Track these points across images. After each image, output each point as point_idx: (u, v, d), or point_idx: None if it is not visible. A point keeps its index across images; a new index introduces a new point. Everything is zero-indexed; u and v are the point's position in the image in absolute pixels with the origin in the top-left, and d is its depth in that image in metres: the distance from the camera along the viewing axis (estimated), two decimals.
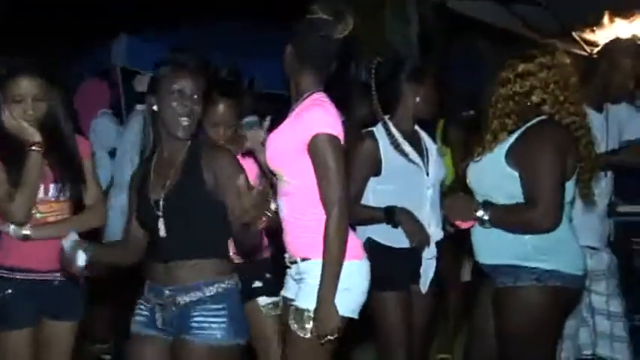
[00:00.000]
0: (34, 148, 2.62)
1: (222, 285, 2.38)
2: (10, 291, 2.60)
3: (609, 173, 3.21)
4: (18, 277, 2.63)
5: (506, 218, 2.60)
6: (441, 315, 4.31)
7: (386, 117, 3.17)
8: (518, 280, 2.59)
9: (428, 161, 3.18)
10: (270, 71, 5.97)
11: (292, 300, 2.49)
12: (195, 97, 2.41)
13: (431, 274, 3.16)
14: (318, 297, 2.34)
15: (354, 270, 2.42)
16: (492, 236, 2.65)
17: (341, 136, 2.40)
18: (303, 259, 2.46)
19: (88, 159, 2.85)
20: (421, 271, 3.14)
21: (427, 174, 3.15)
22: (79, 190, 2.77)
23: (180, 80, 2.39)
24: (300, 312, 2.40)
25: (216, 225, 2.39)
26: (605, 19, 4.78)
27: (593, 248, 3.20)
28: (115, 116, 5.28)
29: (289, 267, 2.56)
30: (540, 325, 2.59)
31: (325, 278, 2.33)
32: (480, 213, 2.60)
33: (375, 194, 3.07)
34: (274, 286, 3.00)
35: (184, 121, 2.39)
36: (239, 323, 2.40)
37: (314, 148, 2.36)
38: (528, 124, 2.59)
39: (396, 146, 3.10)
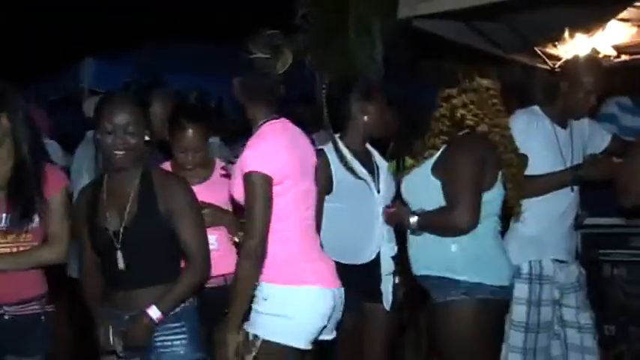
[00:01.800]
0: None
1: (181, 304, 2.50)
2: None
3: (575, 187, 3.27)
4: None
5: (431, 222, 2.82)
6: (412, 332, 4.34)
7: (336, 135, 3.24)
8: (448, 294, 2.76)
9: (379, 179, 3.25)
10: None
11: None
12: (131, 129, 2.44)
13: (391, 290, 3.22)
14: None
15: (298, 296, 2.47)
16: (424, 248, 2.86)
17: (271, 170, 2.44)
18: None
19: (57, 193, 2.69)
20: (382, 287, 3.19)
21: (378, 191, 3.21)
22: (25, 224, 2.62)
23: (114, 116, 2.43)
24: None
25: (170, 252, 2.50)
26: (566, 34, 4.88)
27: (562, 262, 3.26)
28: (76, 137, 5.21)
29: None
30: (476, 338, 2.74)
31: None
32: (411, 219, 2.84)
33: (326, 212, 3.10)
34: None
35: (119, 154, 2.45)
36: (198, 339, 2.53)
37: (245, 184, 2.45)
38: (452, 138, 2.85)
39: (345, 164, 3.15)
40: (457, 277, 2.76)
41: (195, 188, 2.77)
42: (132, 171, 2.51)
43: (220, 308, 2.99)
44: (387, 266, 3.20)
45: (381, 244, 3.18)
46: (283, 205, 2.47)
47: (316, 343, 2.57)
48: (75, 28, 8.58)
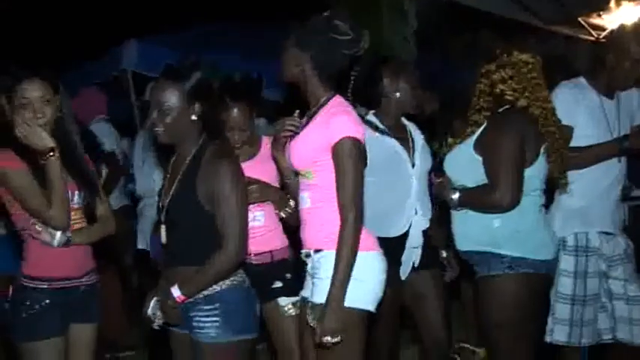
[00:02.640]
0: (50, 154, 2.62)
1: (215, 287, 2.47)
2: (47, 301, 2.63)
3: (622, 158, 3.23)
4: (54, 286, 2.66)
5: (471, 199, 2.85)
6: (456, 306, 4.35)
7: (371, 112, 3.28)
8: (491, 269, 2.79)
9: (414, 153, 3.26)
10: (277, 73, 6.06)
11: (308, 298, 2.54)
12: (165, 108, 2.46)
13: (410, 263, 3.25)
14: (327, 296, 2.39)
15: (368, 261, 2.46)
16: (467, 223, 2.89)
17: (363, 139, 2.47)
18: (317, 251, 2.50)
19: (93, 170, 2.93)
20: (402, 258, 3.22)
21: (413, 165, 3.23)
22: (95, 199, 2.83)
23: (151, 96, 2.50)
24: (316, 308, 2.44)
25: (207, 236, 2.46)
26: (612, 2, 4.78)
27: (608, 234, 3.23)
28: (124, 121, 5.33)
29: (306, 264, 2.60)
30: (517, 312, 2.77)
31: (334, 281, 2.38)
32: (452, 195, 2.86)
33: None
34: (294, 287, 3.05)
35: (157, 131, 2.51)
36: (236, 321, 2.49)
37: (337, 151, 2.43)
38: (492, 115, 2.85)
39: (378, 138, 3.17)
40: (500, 252, 2.78)
41: (243, 165, 2.78)
42: (186, 148, 2.53)
43: (267, 285, 3.08)
44: (415, 239, 3.22)
45: (412, 218, 3.20)
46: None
47: None
48: (117, 10, 8.65)
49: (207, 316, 2.45)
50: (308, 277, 2.60)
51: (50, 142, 2.61)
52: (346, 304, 2.38)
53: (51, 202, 2.60)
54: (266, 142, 3.20)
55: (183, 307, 2.47)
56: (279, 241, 3.15)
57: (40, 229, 2.64)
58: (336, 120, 2.45)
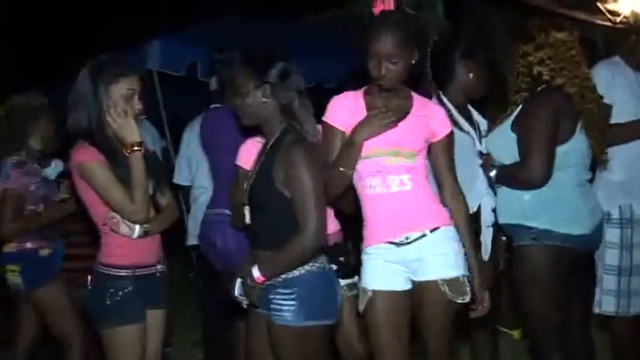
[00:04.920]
0: (136, 148, 2.67)
1: (294, 271, 2.51)
2: (130, 288, 2.70)
3: None
4: (135, 274, 2.73)
5: (506, 176, 2.98)
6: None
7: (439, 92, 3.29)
8: (520, 240, 2.93)
9: (480, 135, 3.31)
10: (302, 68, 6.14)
11: (419, 281, 2.64)
12: (239, 89, 2.57)
13: (489, 242, 3.26)
14: (470, 264, 2.66)
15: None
16: (502, 197, 3.02)
17: None
18: (433, 230, 2.62)
19: None
20: (481, 238, 3.24)
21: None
22: (161, 189, 2.91)
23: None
24: (454, 281, 2.59)
25: (286, 219, 2.49)
26: None
27: None
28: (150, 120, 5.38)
29: (400, 245, 2.65)
30: (545, 283, 2.89)
31: (470, 247, 2.65)
32: (490, 173, 3.01)
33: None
34: (348, 269, 3.18)
35: (238, 114, 2.63)
36: (312, 307, 2.51)
37: (447, 143, 2.73)
38: (529, 95, 2.95)
39: (450, 117, 3.22)
40: (527, 224, 2.91)
41: None
42: (269, 132, 2.60)
43: None
44: (487, 218, 3.25)
45: (483, 197, 3.28)
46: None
47: None
48: (139, 8, 8.70)
49: (285, 299, 2.50)
50: (396, 264, 2.65)
51: (138, 137, 2.67)
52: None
53: (133, 197, 2.65)
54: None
55: (263, 288, 2.54)
56: (333, 226, 3.19)
57: (118, 221, 2.69)
58: (440, 113, 2.75)
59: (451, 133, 2.73)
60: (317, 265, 2.55)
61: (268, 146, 2.59)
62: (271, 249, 2.52)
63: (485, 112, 3.27)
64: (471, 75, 3.23)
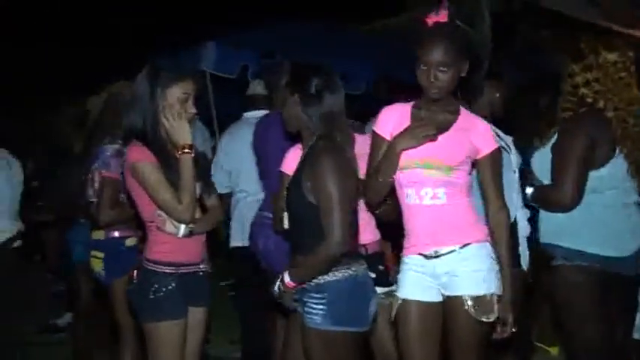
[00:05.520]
0: (187, 150, 2.75)
1: (325, 277, 2.60)
2: (173, 285, 2.78)
3: None
4: (179, 271, 2.81)
5: (538, 197, 3.04)
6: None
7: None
8: (554, 259, 2.95)
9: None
10: (352, 72, 6.21)
11: (447, 295, 2.66)
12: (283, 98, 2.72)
13: (527, 252, 3.34)
14: (503, 282, 2.64)
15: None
16: (541, 217, 3.04)
17: None
18: (463, 246, 2.64)
19: None
20: (520, 250, 3.31)
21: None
22: (208, 191, 3.00)
23: None
24: (480, 298, 2.60)
25: (314, 227, 2.58)
26: None
27: None
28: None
29: (430, 258, 2.68)
30: (578, 303, 2.90)
31: (506, 265, 2.67)
32: (527, 191, 3.08)
33: None
34: (386, 278, 3.24)
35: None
36: (341, 312, 2.60)
37: (492, 160, 2.72)
38: (569, 117, 2.95)
39: None
40: (561, 244, 2.93)
41: None
42: (307, 140, 2.72)
43: None
44: (523, 229, 3.33)
45: (518, 209, 3.30)
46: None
47: None
48: (194, 9, 8.91)
49: (316, 303, 2.60)
50: (443, 273, 2.67)
51: (190, 139, 2.76)
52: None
53: (181, 198, 2.73)
54: (359, 139, 3.35)
55: (298, 290, 2.64)
56: (373, 235, 3.28)
57: (165, 220, 2.77)
58: (485, 129, 2.73)
59: (496, 151, 2.73)
60: (350, 272, 2.63)
61: (303, 155, 2.70)
62: (304, 254, 2.62)
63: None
64: (497, 94, 3.34)
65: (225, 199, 4.34)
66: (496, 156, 2.73)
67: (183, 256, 2.82)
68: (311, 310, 2.61)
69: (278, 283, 2.69)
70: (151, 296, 2.74)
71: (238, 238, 4.28)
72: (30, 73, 10.77)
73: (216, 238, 4.07)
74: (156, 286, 2.75)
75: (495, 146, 2.73)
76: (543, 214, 3.04)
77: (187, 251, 2.84)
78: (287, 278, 2.64)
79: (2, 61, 10.53)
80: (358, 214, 2.81)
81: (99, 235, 3.72)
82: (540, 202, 3.03)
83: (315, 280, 2.61)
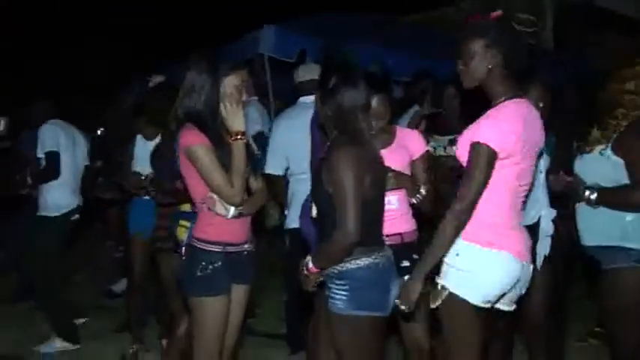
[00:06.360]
0: (240, 137, 2.89)
1: (347, 265, 2.74)
2: (220, 263, 2.93)
3: None
4: (226, 250, 2.95)
5: (612, 198, 3.03)
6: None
7: None
8: (618, 262, 2.96)
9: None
10: (399, 60, 6.28)
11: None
12: None
13: (544, 252, 3.37)
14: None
15: (483, 257, 2.61)
16: (596, 219, 3.04)
17: (499, 145, 2.55)
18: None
19: None
20: (537, 247, 3.33)
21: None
22: (254, 174, 3.15)
23: None
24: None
25: (332, 215, 2.72)
26: None
27: None
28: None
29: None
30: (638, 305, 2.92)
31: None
32: (587, 194, 3.04)
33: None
34: None
35: None
36: (362, 298, 2.74)
37: (470, 151, 2.59)
38: (632, 120, 3.01)
39: None
40: (629, 246, 2.97)
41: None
42: (329, 133, 2.89)
43: (396, 264, 3.25)
44: (547, 228, 3.37)
45: (543, 208, 3.35)
46: (502, 178, 2.58)
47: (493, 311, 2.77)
48: None
49: (339, 289, 2.76)
50: None
51: (244, 126, 2.90)
52: (453, 289, 2.61)
53: (232, 181, 2.87)
54: (400, 131, 3.47)
55: (325, 276, 2.82)
56: (409, 225, 3.39)
57: (215, 202, 2.92)
58: (481, 123, 2.60)
59: (474, 144, 2.58)
60: (370, 259, 2.77)
61: (325, 148, 2.87)
62: (326, 242, 2.79)
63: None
64: (542, 104, 3.30)
65: (281, 182, 4.51)
66: (472, 151, 2.59)
67: (229, 236, 2.97)
68: (335, 295, 2.76)
69: (302, 267, 2.87)
70: (199, 273, 2.91)
71: (294, 220, 4.37)
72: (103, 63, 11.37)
73: (261, 220, 4.22)
74: (203, 263, 2.91)
75: (476, 140, 2.57)
76: (599, 217, 3.05)
77: (234, 231, 2.98)
78: (310, 264, 2.82)
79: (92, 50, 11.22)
80: (383, 205, 2.93)
81: (186, 207, 3.82)
82: (611, 203, 3.03)
83: (337, 268, 2.76)
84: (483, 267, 2.61)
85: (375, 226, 2.86)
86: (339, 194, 2.68)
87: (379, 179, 2.86)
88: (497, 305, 2.75)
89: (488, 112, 2.61)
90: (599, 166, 3.06)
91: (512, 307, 2.81)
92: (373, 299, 2.77)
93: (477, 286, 2.62)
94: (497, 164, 2.55)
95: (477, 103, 2.71)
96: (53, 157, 4.95)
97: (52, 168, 4.95)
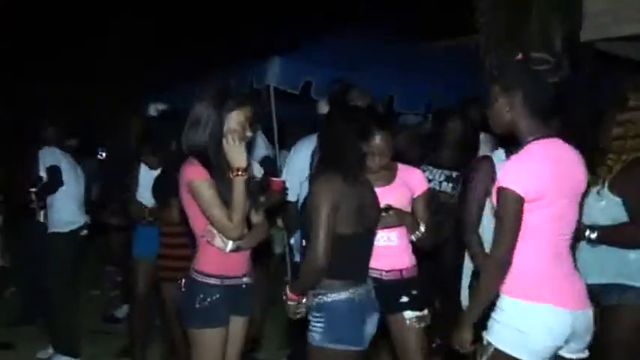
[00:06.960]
0: (241, 173, 2.90)
1: (324, 298, 2.86)
2: (217, 295, 2.95)
3: None
4: (224, 283, 2.99)
5: (613, 236, 3.07)
6: None
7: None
8: (622, 298, 3.00)
9: None
10: (408, 92, 6.34)
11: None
12: None
13: None
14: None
15: (528, 312, 2.50)
16: (599, 258, 3.08)
17: (524, 189, 2.47)
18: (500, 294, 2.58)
19: None
20: None
21: None
22: (255, 208, 3.14)
23: None
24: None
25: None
26: None
27: None
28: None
29: None
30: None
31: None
32: (587, 233, 3.08)
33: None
34: (420, 302, 3.37)
35: None
36: (337, 331, 2.83)
37: (497, 197, 2.53)
38: (629, 159, 3.08)
39: None
40: (632, 284, 3.01)
41: (380, 190, 3.16)
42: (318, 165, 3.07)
43: (395, 299, 3.34)
44: None
45: None
46: (535, 223, 2.49)
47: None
48: (260, 24, 9.20)
49: (316, 322, 2.86)
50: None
51: (245, 162, 2.92)
52: (500, 346, 2.51)
53: (231, 216, 2.89)
54: (401, 169, 3.49)
55: (306, 308, 2.92)
56: (409, 261, 3.41)
57: (214, 235, 2.95)
58: (506, 167, 2.55)
59: (499, 189, 2.53)
60: (348, 293, 2.86)
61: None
62: None
63: None
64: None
65: (293, 207, 4.49)
66: (499, 196, 2.54)
67: (228, 269, 3.00)
68: (312, 327, 2.86)
69: (282, 294, 2.97)
70: (197, 305, 2.94)
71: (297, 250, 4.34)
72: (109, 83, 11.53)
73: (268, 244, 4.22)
74: (202, 295, 2.94)
75: (499, 185, 2.53)
76: (600, 255, 3.08)
77: (232, 265, 3.01)
78: (287, 289, 2.94)
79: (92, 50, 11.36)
80: (369, 241, 3.01)
81: None
82: (614, 241, 3.07)
83: (316, 300, 2.86)
84: (528, 322, 2.50)
85: (356, 260, 2.95)
86: (313, 220, 2.80)
87: (365, 216, 2.92)
88: (564, 354, 2.62)
89: (514, 155, 2.57)
90: (598, 205, 3.09)
91: (583, 355, 2.66)
92: (348, 333, 2.84)
93: (527, 343, 2.50)
94: (526, 208, 2.48)
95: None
96: (55, 170, 5.13)
97: (54, 179, 5.12)
